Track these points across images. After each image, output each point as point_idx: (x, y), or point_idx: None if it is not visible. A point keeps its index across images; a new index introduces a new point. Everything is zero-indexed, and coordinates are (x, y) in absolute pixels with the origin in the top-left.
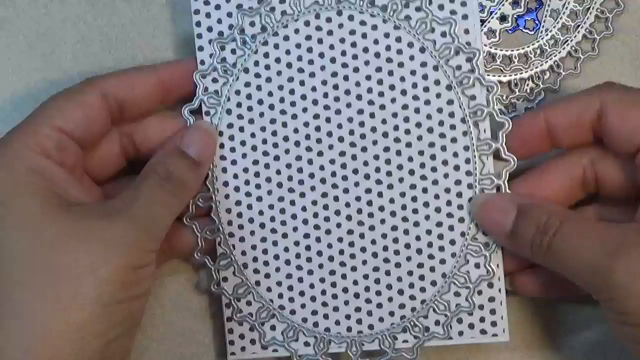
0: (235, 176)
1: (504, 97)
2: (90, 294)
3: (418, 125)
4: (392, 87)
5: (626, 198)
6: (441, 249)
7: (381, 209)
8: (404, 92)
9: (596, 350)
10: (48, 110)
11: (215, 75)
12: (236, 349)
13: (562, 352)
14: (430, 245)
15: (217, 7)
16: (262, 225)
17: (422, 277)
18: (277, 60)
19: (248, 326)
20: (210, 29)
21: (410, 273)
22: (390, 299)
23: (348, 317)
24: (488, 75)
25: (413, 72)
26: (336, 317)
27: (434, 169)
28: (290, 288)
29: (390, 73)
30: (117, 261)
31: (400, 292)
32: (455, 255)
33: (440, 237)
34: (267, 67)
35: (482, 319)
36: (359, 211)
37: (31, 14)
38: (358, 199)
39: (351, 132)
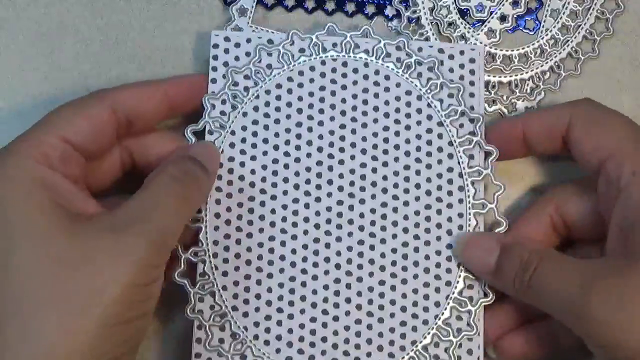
0: (229, 209)
1: (504, 98)
2: (96, 315)
3: (417, 186)
4: (396, 146)
5: (596, 235)
6: (425, 309)
7: (371, 261)
8: (407, 148)
9: None
10: (55, 120)
11: (225, 98)
12: None
13: None
14: (415, 304)
15: (237, 45)
16: (248, 262)
17: (403, 336)
18: (289, 104)
19: (216, 352)
20: (225, 63)
21: (392, 330)
22: (368, 354)
23: (346, 354)
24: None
25: (418, 123)
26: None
27: (427, 230)
28: (267, 330)
29: (397, 122)
30: (125, 280)
31: (380, 348)
32: (439, 305)
33: (426, 297)
34: (278, 109)
35: None
36: (349, 261)
37: (31, 14)
38: (349, 248)
39: (351, 184)
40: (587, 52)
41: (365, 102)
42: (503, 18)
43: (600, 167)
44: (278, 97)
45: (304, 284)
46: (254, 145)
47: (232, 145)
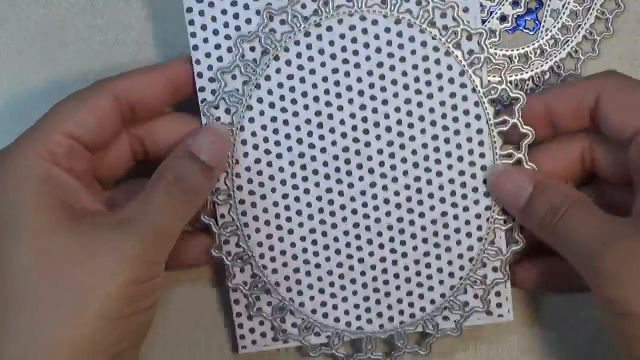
0: (250, 181)
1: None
2: (96, 309)
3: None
4: (419, 104)
5: (622, 181)
6: (460, 256)
7: (410, 211)
8: (431, 104)
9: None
10: (58, 115)
11: (237, 73)
12: (247, 342)
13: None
14: (448, 250)
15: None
16: (279, 227)
17: (440, 270)
18: (300, 67)
19: (258, 320)
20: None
21: (428, 276)
22: (409, 293)
23: (368, 310)
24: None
25: (425, 58)
26: (354, 312)
27: (463, 185)
28: (310, 286)
29: (403, 60)
30: (124, 276)
31: (420, 284)
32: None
33: (459, 243)
34: (290, 76)
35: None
36: (388, 214)
37: (31, 14)
38: (387, 201)
39: (364, 119)
40: (587, 52)
41: (389, 56)
42: (503, 18)
43: (633, 139)
44: (288, 62)
45: (336, 239)
46: (273, 119)
47: (251, 120)
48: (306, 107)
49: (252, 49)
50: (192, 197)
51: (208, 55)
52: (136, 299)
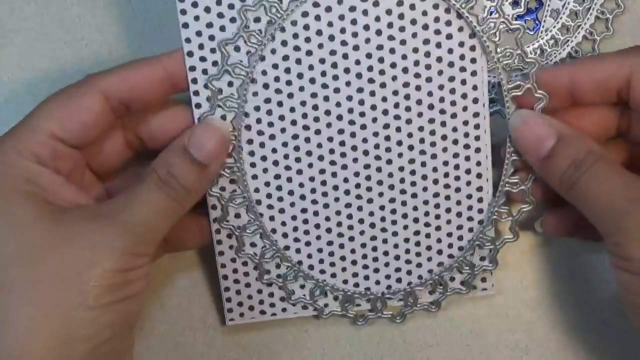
0: (252, 153)
1: None
2: (74, 298)
3: (453, 103)
4: (428, 66)
5: None
6: (469, 219)
7: (424, 177)
8: (440, 67)
9: None
10: (43, 114)
11: (239, 44)
12: (235, 315)
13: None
14: (459, 215)
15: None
16: (291, 193)
17: (449, 234)
18: (296, 48)
19: (246, 294)
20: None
21: (437, 240)
22: (418, 254)
23: (377, 271)
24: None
25: (437, 19)
26: (364, 274)
27: (477, 150)
28: (320, 250)
29: (426, 41)
30: (103, 265)
31: (429, 248)
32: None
33: (470, 208)
34: (297, 48)
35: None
36: (402, 180)
37: (31, 14)
38: (401, 169)
39: (384, 112)
40: (587, 52)
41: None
42: None
43: None
44: (284, 43)
45: (348, 205)
46: (278, 91)
47: (255, 94)
48: (302, 89)
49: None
50: (184, 195)
51: (201, 46)
52: (117, 287)
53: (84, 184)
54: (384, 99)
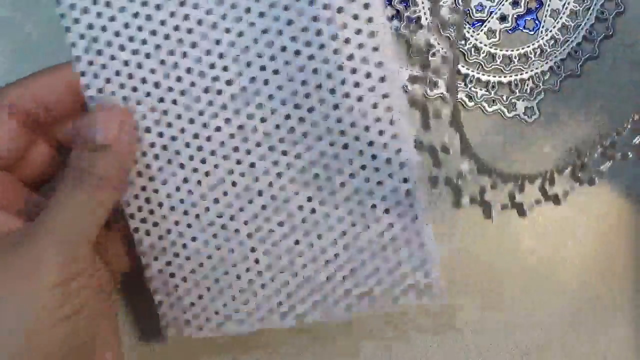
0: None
1: (504, 98)
2: (13, 323)
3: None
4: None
5: None
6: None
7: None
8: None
9: None
10: None
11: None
12: (172, 331)
13: None
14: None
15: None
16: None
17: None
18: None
19: (180, 309)
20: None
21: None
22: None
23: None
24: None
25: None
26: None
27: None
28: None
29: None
30: (42, 283)
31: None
32: None
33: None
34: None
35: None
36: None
37: (31, 14)
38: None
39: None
40: (588, 53)
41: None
42: (503, 18)
43: None
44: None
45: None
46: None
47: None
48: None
49: None
50: (101, 185)
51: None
52: (65, 300)
53: (15, 201)
54: None
